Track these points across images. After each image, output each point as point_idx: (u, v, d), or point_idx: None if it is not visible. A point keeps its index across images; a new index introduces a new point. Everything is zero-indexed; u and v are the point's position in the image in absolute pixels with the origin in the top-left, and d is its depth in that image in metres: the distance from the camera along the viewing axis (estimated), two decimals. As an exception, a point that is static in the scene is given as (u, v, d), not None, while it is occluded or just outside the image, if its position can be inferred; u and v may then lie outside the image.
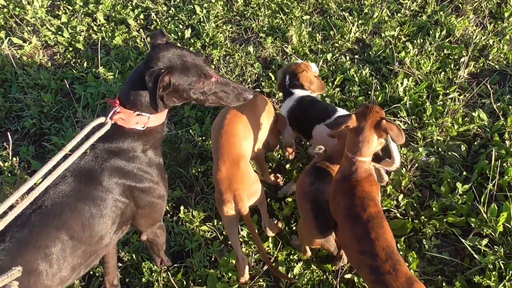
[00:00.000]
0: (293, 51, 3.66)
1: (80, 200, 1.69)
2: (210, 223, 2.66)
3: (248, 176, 2.17)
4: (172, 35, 3.86)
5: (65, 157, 1.54)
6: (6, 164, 2.98)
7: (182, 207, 2.70)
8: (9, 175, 2.94)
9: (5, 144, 3.02)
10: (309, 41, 3.73)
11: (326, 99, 3.22)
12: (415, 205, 2.58)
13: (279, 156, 2.98)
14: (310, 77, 2.64)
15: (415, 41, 3.60)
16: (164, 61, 1.69)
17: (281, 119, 2.61)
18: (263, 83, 3.42)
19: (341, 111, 2.49)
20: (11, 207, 1.36)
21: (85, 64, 3.68)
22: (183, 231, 2.63)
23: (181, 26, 3.95)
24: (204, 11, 4.04)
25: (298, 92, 2.65)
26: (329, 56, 3.53)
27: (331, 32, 3.77)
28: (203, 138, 3.09)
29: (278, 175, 2.87)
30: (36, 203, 1.63)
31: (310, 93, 2.66)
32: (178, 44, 3.50)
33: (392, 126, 1.85)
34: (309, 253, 2.39)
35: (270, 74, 3.47)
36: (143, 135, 1.79)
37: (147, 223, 2.01)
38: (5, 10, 4.16)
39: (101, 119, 1.70)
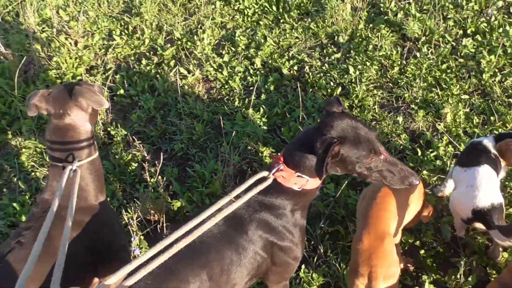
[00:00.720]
0: (445, 129, 3.47)
1: (225, 244, 1.75)
2: (328, 291, 2.57)
3: (390, 256, 2.09)
4: (322, 90, 3.94)
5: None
6: (151, 180, 3.26)
7: (303, 266, 2.65)
8: (152, 190, 3.21)
9: (156, 162, 3.31)
10: (464, 122, 3.51)
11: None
12: None
13: (413, 239, 2.79)
14: None
15: None
16: (337, 130, 1.70)
17: (428, 208, 2.48)
18: (407, 157, 3.28)
19: (482, 169, 2.47)
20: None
21: (236, 103, 3.93)
22: (300, 291, 2.57)
23: (332, 83, 4.02)
24: (357, 72, 4.07)
25: (486, 141, 2.66)
26: (485, 142, 3.27)
27: (492, 118, 3.50)
28: (336, 200, 3.04)
29: (409, 259, 2.69)
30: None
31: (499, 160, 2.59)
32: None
33: None
34: None
35: (417, 148, 3.32)
36: (296, 195, 1.81)
37: (276, 280, 2.01)
38: (179, 42, 4.67)
39: (265, 173, 1.77)
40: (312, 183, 1.80)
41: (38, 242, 1.30)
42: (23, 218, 3.02)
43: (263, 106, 3.82)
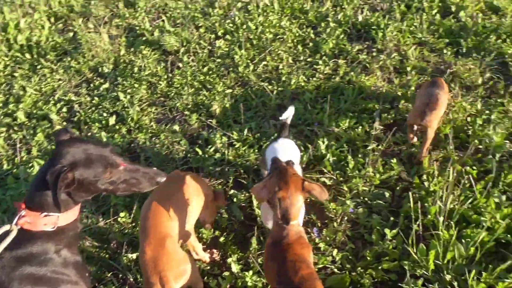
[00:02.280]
0: (218, 124, 3.75)
1: None
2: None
3: (174, 255, 2.13)
4: (97, 124, 3.85)
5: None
6: None
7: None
8: None
9: None
10: (232, 112, 3.85)
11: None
12: (350, 257, 2.59)
13: (212, 231, 2.92)
14: None
15: (331, 101, 3.81)
16: (67, 158, 1.67)
17: (219, 195, 2.62)
18: (190, 159, 3.44)
19: None
20: None
21: (4, 166, 3.55)
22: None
23: (105, 114, 3.96)
24: (128, 96, 4.10)
25: None
26: (253, 124, 3.65)
27: (253, 102, 3.92)
28: (133, 224, 2.99)
29: (214, 250, 2.82)
30: None
31: None
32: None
33: (314, 186, 1.93)
34: None
35: (197, 149, 3.50)
36: (54, 235, 1.71)
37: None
38: None
39: (7, 227, 1.62)
40: (65, 218, 1.72)
41: None
42: None
43: (37, 160, 3.53)
